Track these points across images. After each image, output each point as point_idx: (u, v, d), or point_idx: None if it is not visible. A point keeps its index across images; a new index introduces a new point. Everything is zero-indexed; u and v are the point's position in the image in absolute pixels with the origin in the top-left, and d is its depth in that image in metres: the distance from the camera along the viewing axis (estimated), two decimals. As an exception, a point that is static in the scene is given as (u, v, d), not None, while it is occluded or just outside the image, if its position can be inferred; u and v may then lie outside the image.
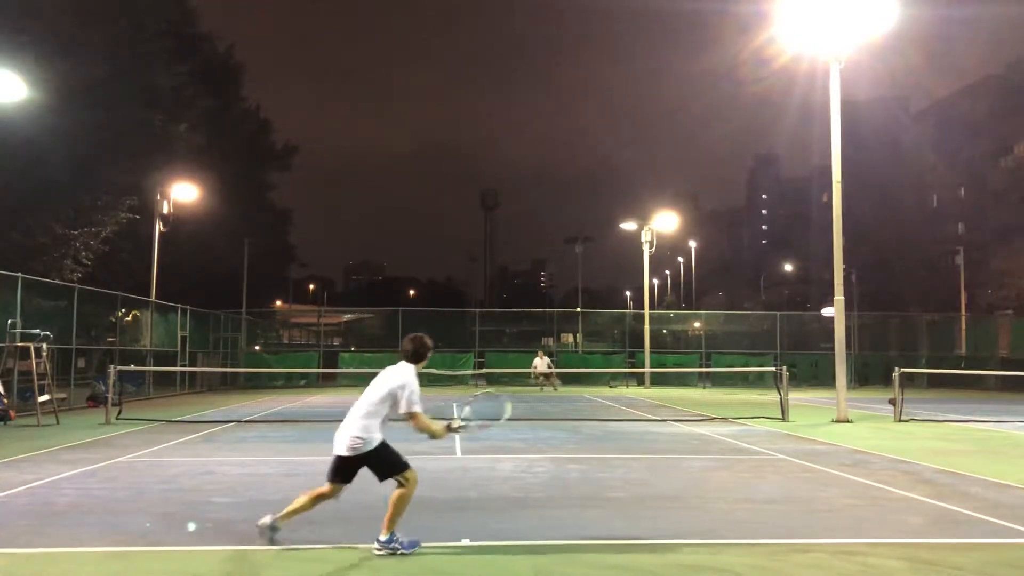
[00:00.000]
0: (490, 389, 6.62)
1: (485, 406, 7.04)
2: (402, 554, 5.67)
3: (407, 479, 5.77)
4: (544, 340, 44.78)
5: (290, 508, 5.90)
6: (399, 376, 5.92)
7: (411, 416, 5.82)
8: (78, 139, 22.80)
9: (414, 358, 6.07)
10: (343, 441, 5.80)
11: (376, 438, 5.77)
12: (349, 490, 6.40)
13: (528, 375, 31.66)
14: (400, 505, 5.73)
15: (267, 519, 5.84)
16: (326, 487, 5.88)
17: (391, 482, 5.79)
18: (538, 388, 30.34)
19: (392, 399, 5.83)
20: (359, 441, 5.74)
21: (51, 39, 21.60)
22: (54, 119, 21.55)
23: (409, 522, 6.58)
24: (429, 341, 6.16)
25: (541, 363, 30.54)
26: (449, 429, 6.08)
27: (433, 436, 5.97)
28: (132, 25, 25.06)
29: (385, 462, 5.79)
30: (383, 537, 5.72)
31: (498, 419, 6.95)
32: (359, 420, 5.82)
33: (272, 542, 5.83)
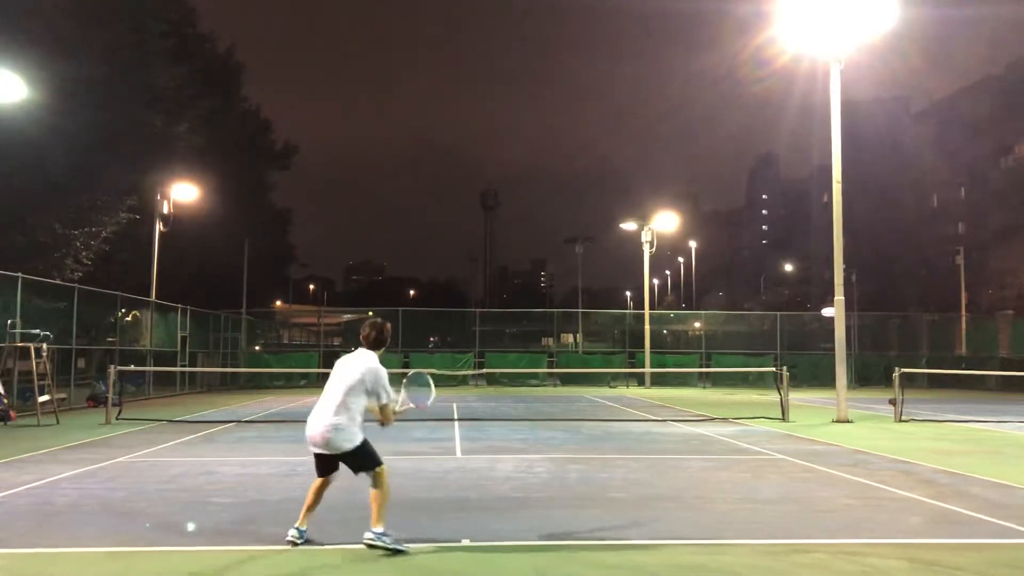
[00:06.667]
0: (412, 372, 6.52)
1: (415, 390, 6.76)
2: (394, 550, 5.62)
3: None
4: (544, 340, 44.81)
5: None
6: (367, 362, 5.81)
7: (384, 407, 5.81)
8: (78, 139, 22.77)
9: (376, 345, 5.97)
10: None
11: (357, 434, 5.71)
12: (346, 490, 6.41)
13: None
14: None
15: (293, 533, 5.86)
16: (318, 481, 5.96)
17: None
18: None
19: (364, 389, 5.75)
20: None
21: (51, 39, 21.59)
22: (54, 119, 21.53)
23: (410, 522, 6.59)
24: (389, 327, 6.09)
25: None
26: (394, 414, 5.97)
27: (386, 423, 5.91)
28: (132, 25, 25.05)
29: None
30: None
31: (428, 392, 6.87)
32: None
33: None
